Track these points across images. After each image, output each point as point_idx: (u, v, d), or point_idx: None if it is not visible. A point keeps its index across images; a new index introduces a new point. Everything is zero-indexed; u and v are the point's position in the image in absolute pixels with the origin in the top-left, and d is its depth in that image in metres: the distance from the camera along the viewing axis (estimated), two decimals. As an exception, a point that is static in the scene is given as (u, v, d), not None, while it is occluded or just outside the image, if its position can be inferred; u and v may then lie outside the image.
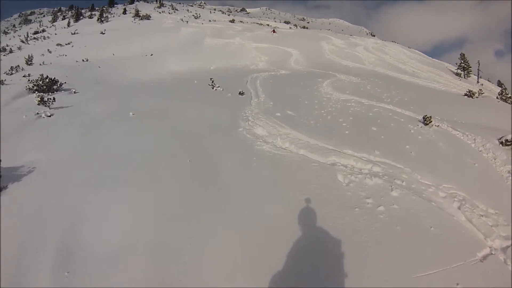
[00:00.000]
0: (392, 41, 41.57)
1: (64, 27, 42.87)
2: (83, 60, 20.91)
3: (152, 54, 22.49)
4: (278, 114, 8.52)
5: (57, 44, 28.89)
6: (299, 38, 30.32)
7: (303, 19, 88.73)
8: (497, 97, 16.19)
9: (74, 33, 35.08)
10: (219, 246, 3.55)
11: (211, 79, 12.51)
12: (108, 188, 4.56)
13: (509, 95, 16.57)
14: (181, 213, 4.08)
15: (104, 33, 32.89)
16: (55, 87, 11.49)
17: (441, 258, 3.51)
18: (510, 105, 13.65)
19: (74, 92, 11.19)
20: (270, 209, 4.28)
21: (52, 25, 48.07)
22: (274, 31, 29.88)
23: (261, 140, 6.65)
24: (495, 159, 6.34)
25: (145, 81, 14.55)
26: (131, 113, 8.05)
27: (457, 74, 26.50)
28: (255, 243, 3.64)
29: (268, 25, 44.26)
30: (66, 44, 28.83)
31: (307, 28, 52.16)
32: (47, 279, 3.02)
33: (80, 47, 26.48)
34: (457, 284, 3.18)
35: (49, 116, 7.89)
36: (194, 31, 31.64)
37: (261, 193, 4.68)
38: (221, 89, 11.89)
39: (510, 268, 3.56)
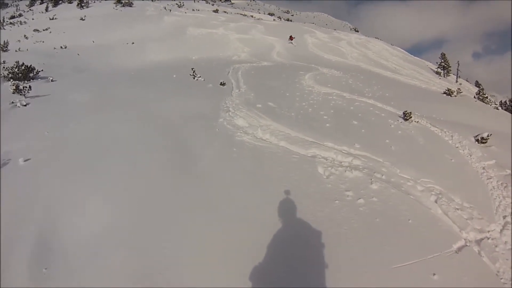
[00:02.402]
0: (376, 38, 42.77)
1: (42, 12, 40.97)
2: (61, 47, 20.20)
3: (133, 42, 22.16)
4: (259, 106, 8.57)
5: (34, 30, 27.87)
6: (283, 31, 30.50)
7: (288, 12, 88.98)
8: (474, 97, 17.17)
9: (53, 19, 33.92)
10: (199, 237, 3.59)
11: (192, 69, 12.57)
12: (86, 178, 4.53)
13: (486, 96, 17.58)
14: (160, 203, 4.10)
15: (84, 19, 32.00)
16: (31, 75, 11.00)
17: (418, 249, 3.70)
18: (486, 105, 14.51)
19: (52, 80, 10.75)
20: (250, 201, 4.34)
21: (30, 9, 45.75)
22: (291, 38, 25.67)
23: (241, 131, 6.70)
24: (471, 156, 6.71)
25: (126, 69, 14.41)
26: (110, 103, 7.91)
27: (437, 73, 27.81)
28: (235, 234, 3.68)
29: (252, 16, 44.14)
30: (43, 30, 27.85)
31: (291, 20, 52.50)
32: (24, 276, 2.96)
33: (58, 33, 25.66)
34: (434, 274, 3.37)
35: (25, 105, 7.55)
36: (177, 20, 31.39)
37: (241, 185, 4.73)
38: (202, 79, 11.96)
39: (483, 259, 3.80)
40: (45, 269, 3.05)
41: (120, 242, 3.42)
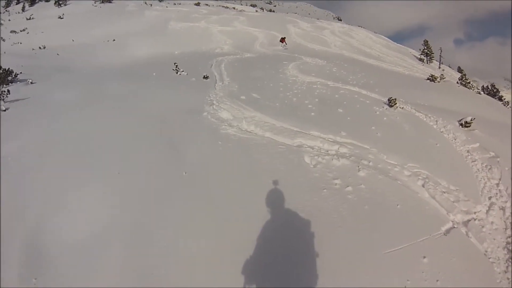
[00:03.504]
0: (359, 26, 43.27)
1: (19, 12, 40.02)
2: (40, 48, 19.72)
3: (114, 39, 21.87)
4: (243, 97, 8.55)
5: (11, 31, 27.37)
6: (266, 21, 30.71)
7: (270, 2, 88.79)
8: (457, 82, 17.65)
9: (30, 18, 33.23)
10: (192, 233, 3.61)
11: (175, 63, 12.59)
12: (76, 177, 4.46)
13: (469, 81, 18.10)
14: (151, 201, 4.08)
15: (62, 18, 31.44)
16: (9, 78, 10.48)
17: (408, 233, 3.79)
18: (469, 90, 14.96)
19: (31, 83, 10.37)
20: (238, 194, 4.35)
21: (6, 10, 44.00)
22: (283, 41, 22.34)
23: (226, 124, 6.67)
24: (455, 140, 6.90)
25: (107, 67, 14.32)
26: (92, 102, 7.74)
27: (420, 60, 28.41)
28: (226, 228, 3.72)
29: (234, 8, 43.89)
30: (21, 31, 27.32)
31: (273, 11, 52.46)
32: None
33: (36, 33, 25.16)
34: (424, 257, 3.47)
35: (4, 110, 7.18)
36: (158, 14, 31.30)
37: (228, 177, 4.72)
38: (185, 73, 12.03)
39: (471, 240, 3.94)
40: (35, 279, 3.01)
41: (113, 243, 3.40)
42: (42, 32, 24.88)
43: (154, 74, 12.05)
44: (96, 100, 7.89)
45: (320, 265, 3.28)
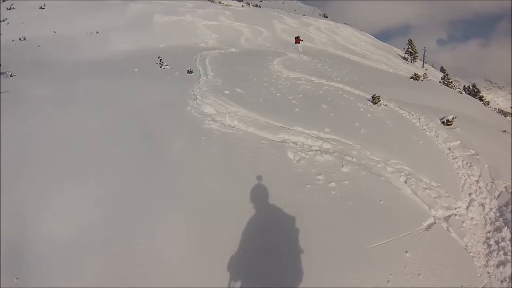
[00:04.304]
0: (344, 23, 43.88)
1: None
2: (20, 39, 18.73)
3: (97, 32, 21.14)
4: (227, 92, 8.46)
5: None
6: (251, 17, 30.70)
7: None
8: (440, 81, 18.20)
9: (10, 8, 31.21)
10: (173, 231, 3.55)
11: (159, 57, 12.41)
12: (53, 178, 4.27)
13: (451, 80, 18.71)
14: (132, 199, 3.99)
15: (43, 8, 29.77)
16: None
17: (391, 228, 3.86)
18: (451, 89, 15.43)
19: (10, 76, 9.82)
20: (221, 188, 4.33)
21: None
22: (299, 41, 20.06)
23: (209, 119, 6.59)
24: (437, 137, 7.09)
25: (90, 60, 13.81)
26: (75, 96, 7.51)
27: (405, 58, 29.17)
28: (209, 225, 3.68)
29: (220, 2, 43.56)
30: (0, 21, 25.29)
31: (259, 6, 52.38)
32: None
33: (16, 24, 23.65)
34: (406, 251, 3.54)
35: None
36: (143, 7, 30.48)
37: (211, 173, 4.67)
38: (170, 67, 11.85)
39: (452, 235, 4.04)
40: (16, 279, 2.93)
41: (93, 243, 3.33)
42: (23, 23, 23.78)
43: (136, 69, 11.82)
44: (77, 95, 7.65)
45: (304, 260, 3.28)
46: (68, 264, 3.10)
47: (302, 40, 20.28)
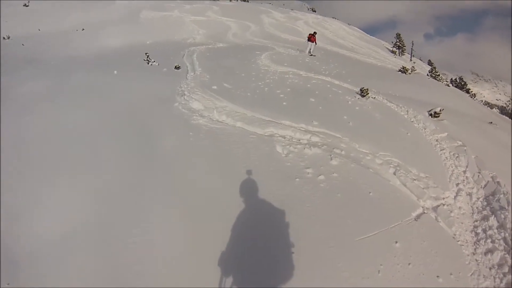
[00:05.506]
0: (333, 17, 44.23)
1: None
2: (4, 38, 18.15)
3: (83, 29, 20.75)
4: (215, 87, 8.44)
5: None
6: (239, 11, 30.76)
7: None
8: (427, 74, 18.59)
9: None
10: (166, 228, 3.59)
11: (146, 54, 12.32)
12: (44, 176, 4.30)
13: (438, 73, 19.12)
14: (124, 196, 4.02)
15: (27, 5, 28.91)
16: None
17: (380, 220, 3.95)
18: (438, 82, 15.76)
19: None
20: (211, 185, 4.36)
21: None
22: (313, 39, 15.92)
23: (197, 114, 6.57)
24: (425, 129, 7.25)
25: (76, 58, 13.54)
26: (63, 93, 7.44)
27: (393, 52, 29.64)
28: (200, 221, 3.73)
29: None
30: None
31: (247, 1, 52.22)
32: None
33: None
34: (396, 242, 3.63)
35: None
36: (130, 3, 30.05)
37: (200, 169, 4.69)
38: (157, 64, 11.76)
39: (440, 224, 4.16)
40: (7, 284, 2.94)
41: (86, 242, 3.35)
42: (6, 21, 23.19)
43: (124, 64, 11.70)
44: (64, 93, 7.58)
45: (294, 254, 3.32)
46: (60, 263, 3.12)
47: (315, 40, 16.22)
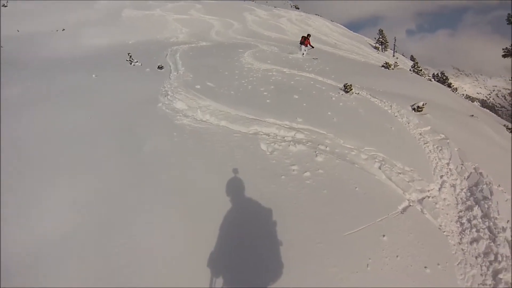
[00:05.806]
0: (316, 14, 44.55)
1: None
2: None
3: (64, 29, 20.22)
4: (198, 87, 8.36)
5: None
6: (222, 9, 30.70)
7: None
8: (410, 70, 18.90)
9: None
10: (155, 229, 3.57)
11: (128, 54, 12.16)
12: (32, 179, 4.25)
13: (420, 69, 19.47)
14: (113, 198, 4.00)
15: (6, 6, 27.96)
16: None
17: (367, 214, 3.96)
18: (421, 77, 16.04)
19: None
20: (196, 185, 4.32)
21: None
22: (307, 42, 15.21)
23: (181, 114, 6.51)
24: (408, 123, 7.34)
25: (58, 59, 13.24)
26: (44, 95, 7.32)
27: (376, 48, 30.02)
28: (187, 221, 3.69)
29: None
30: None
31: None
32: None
33: None
34: (383, 235, 3.65)
35: None
36: (111, 2, 29.47)
37: (186, 169, 4.64)
38: (140, 64, 11.63)
39: (426, 216, 4.20)
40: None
41: (77, 245, 3.34)
42: None
43: (106, 65, 11.52)
44: (45, 95, 7.42)
45: (282, 251, 3.31)
46: (59, 263, 3.13)
47: (310, 43, 15.57)
